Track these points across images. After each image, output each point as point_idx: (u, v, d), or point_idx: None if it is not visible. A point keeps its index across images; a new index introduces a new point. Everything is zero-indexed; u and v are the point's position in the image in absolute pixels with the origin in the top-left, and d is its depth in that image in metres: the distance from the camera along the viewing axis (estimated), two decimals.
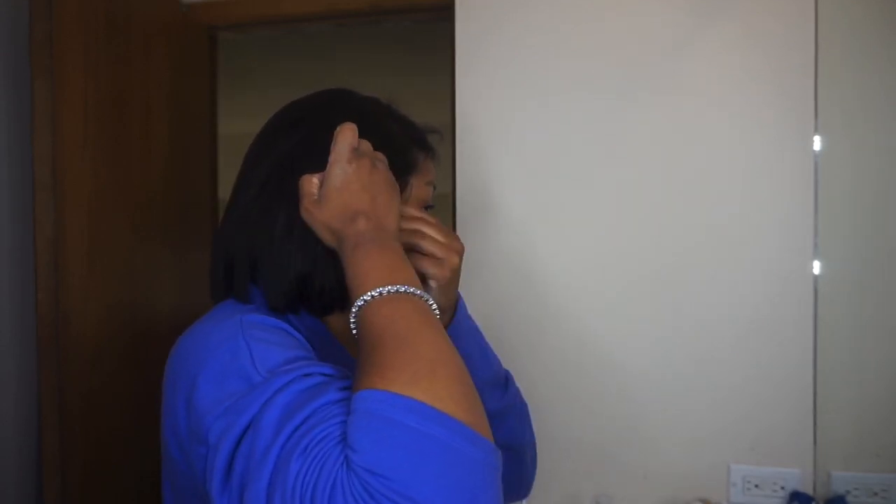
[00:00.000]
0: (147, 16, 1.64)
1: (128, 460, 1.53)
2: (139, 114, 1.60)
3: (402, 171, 0.74)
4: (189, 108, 1.81)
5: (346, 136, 0.67)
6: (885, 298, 1.33)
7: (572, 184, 1.43)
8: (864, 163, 1.35)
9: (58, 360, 1.35)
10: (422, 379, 0.51)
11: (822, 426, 1.32)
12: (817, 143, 1.33)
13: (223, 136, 1.99)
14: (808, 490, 1.32)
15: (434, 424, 0.48)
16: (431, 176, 0.80)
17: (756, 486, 1.34)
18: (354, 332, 0.58)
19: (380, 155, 0.70)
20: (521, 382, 0.92)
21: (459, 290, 0.79)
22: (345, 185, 0.66)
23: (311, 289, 0.70)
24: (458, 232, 1.49)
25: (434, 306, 0.60)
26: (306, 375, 0.56)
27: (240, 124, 2.07)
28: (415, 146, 0.78)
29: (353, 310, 0.58)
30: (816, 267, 1.33)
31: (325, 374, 0.57)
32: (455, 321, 0.79)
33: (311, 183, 0.68)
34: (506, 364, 0.90)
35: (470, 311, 0.84)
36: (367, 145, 0.69)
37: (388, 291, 0.57)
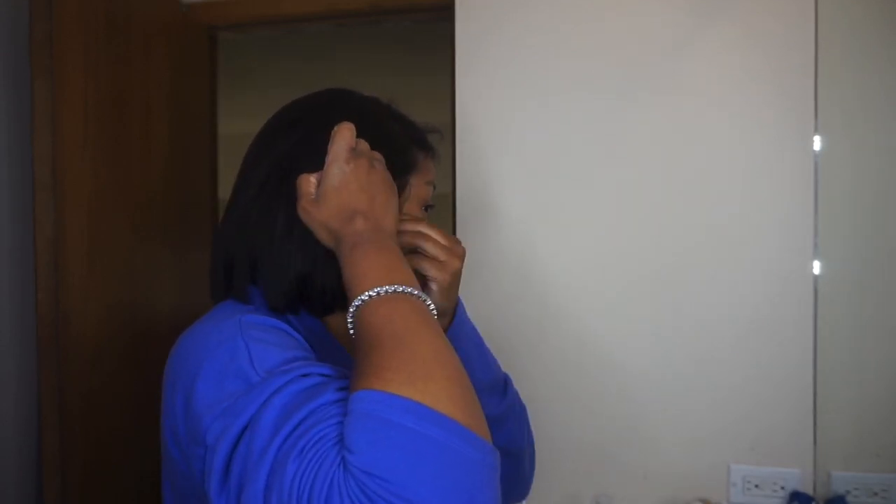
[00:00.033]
0: (147, 16, 1.64)
1: (128, 460, 1.53)
2: (139, 114, 1.60)
3: (401, 170, 0.74)
4: (189, 108, 1.81)
5: (344, 136, 0.67)
6: (885, 298, 1.33)
7: (572, 184, 1.43)
8: (864, 163, 1.35)
9: (58, 360, 1.35)
10: (418, 379, 0.50)
11: (822, 426, 1.32)
12: (817, 143, 1.33)
13: (223, 136, 1.99)
14: (808, 490, 1.32)
15: (431, 425, 0.48)
16: (431, 175, 0.80)
17: (756, 486, 1.34)
18: (352, 332, 0.58)
19: (377, 154, 0.70)
20: (521, 382, 0.92)
21: (459, 290, 0.79)
22: (343, 185, 0.65)
23: (312, 289, 0.70)
24: (458, 232, 1.49)
25: (432, 307, 0.60)
26: (304, 376, 0.56)
27: (240, 124, 2.07)
28: (415, 146, 0.78)
29: (351, 310, 0.58)
30: (816, 267, 1.33)
31: (323, 375, 0.57)
32: (454, 324, 0.78)
33: (308, 182, 0.67)
34: (506, 364, 0.90)
35: (470, 312, 0.84)
36: (364, 145, 0.69)
37: (386, 291, 0.57)
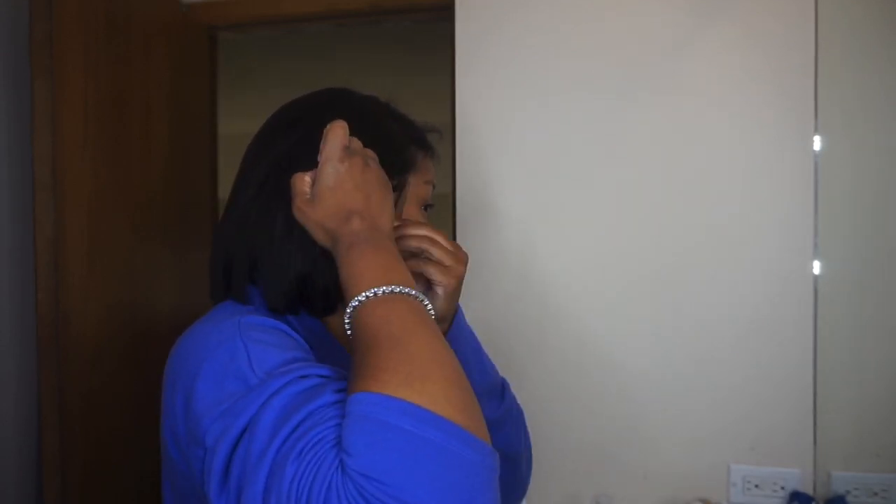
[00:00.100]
0: (147, 16, 1.64)
1: (128, 460, 1.53)
2: (139, 114, 1.60)
3: (400, 169, 0.74)
4: (189, 108, 1.81)
5: (337, 134, 0.66)
6: (885, 298, 1.33)
7: (572, 184, 1.43)
8: (864, 163, 1.35)
9: (58, 360, 1.35)
10: (416, 380, 0.50)
11: (822, 426, 1.32)
12: (817, 143, 1.33)
13: (223, 136, 1.99)
14: (808, 490, 1.32)
15: (429, 427, 0.48)
16: (431, 175, 0.80)
17: (756, 486, 1.34)
18: (349, 332, 0.58)
19: (370, 153, 0.69)
20: (521, 383, 0.92)
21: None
22: (338, 184, 0.65)
23: (312, 289, 0.70)
24: (458, 232, 1.50)
25: (429, 307, 0.59)
26: (303, 377, 0.56)
27: (240, 124, 2.07)
28: (414, 145, 0.78)
29: (348, 310, 0.58)
30: (816, 267, 1.33)
31: (322, 376, 0.57)
32: (453, 328, 0.78)
33: (303, 181, 0.67)
34: (506, 364, 0.90)
35: (469, 312, 0.84)
36: (357, 143, 0.68)
37: (384, 292, 0.57)
